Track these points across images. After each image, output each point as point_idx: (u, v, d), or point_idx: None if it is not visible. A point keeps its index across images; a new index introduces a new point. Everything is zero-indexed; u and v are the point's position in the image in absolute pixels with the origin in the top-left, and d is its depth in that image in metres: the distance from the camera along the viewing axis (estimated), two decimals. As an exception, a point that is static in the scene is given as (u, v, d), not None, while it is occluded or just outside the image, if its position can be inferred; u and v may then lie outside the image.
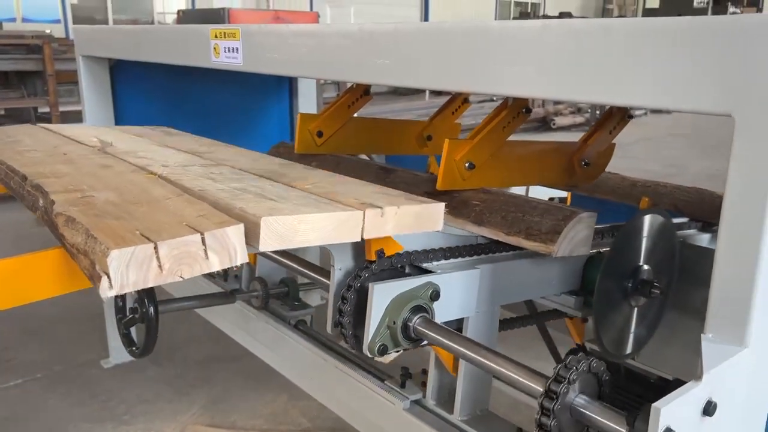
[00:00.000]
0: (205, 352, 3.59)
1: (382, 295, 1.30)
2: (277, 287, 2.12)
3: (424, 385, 1.65)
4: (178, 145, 1.90)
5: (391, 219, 1.18)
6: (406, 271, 1.45)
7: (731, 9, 16.18)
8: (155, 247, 0.92)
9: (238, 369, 3.44)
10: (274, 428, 2.96)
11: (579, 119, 11.11)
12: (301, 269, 1.79)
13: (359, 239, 1.16)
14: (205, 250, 0.96)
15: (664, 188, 2.47)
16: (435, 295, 1.36)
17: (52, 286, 1.15)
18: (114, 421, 2.96)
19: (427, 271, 1.43)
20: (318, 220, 1.08)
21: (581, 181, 1.94)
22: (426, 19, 18.68)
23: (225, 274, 2.31)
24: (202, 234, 0.96)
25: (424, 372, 1.72)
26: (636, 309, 1.70)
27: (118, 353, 3.49)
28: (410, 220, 1.22)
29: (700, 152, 9.95)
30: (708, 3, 15.19)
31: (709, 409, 0.93)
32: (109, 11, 12.75)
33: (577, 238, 1.54)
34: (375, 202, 1.20)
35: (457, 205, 1.66)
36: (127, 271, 0.92)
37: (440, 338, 1.29)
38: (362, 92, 2.20)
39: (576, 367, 1.02)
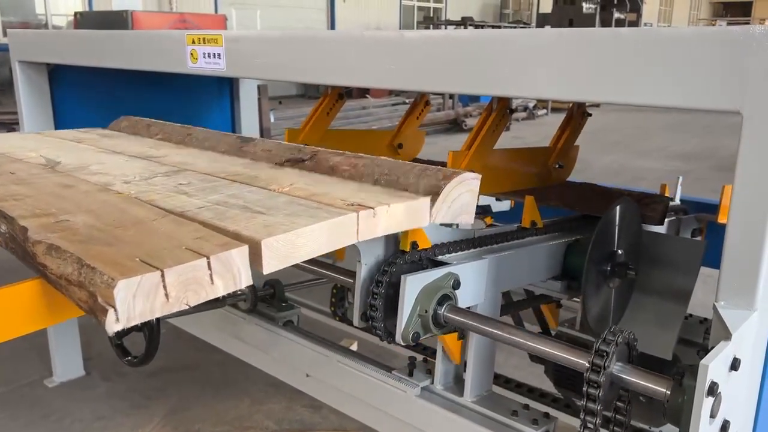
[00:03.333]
0: (154, 364, 3.47)
1: (413, 286, 1.39)
2: (263, 290, 2.15)
3: (428, 372, 1.74)
4: (123, 148, 1.83)
5: (383, 218, 1.17)
6: (424, 264, 1.54)
7: (616, 14, 17.32)
8: (162, 275, 0.86)
9: (193, 378, 3.38)
10: (241, 433, 2.95)
11: (487, 120, 11.53)
12: (312, 267, 1.83)
13: (355, 242, 1.16)
14: (211, 275, 0.91)
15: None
16: (456, 284, 1.46)
17: (30, 321, 1.04)
18: (71, 440, 2.85)
19: (443, 263, 1.52)
20: (315, 230, 1.05)
21: (556, 181, 2.10)
22: (332, 21, 18.75)
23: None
24: (207, 258, 0.90)
25: (426, 361, 1.82)
26: (613, 290, 1.88)
27: (62, 371, 3.34)
28: (401, 218, 1.22)
29: (602, 149, 10.60)
30: (596, 9, 16.22)
31: (735, 364, 1.08)
32: (-3, 13, 11.97)
33: (458, 202, 1.34)
34: (363, 202, 1.19)
35: (326, 171, 1.54)
36: (133, 302, 0.85)
37: (472, 323, 1.39)
38: (337, 97, 2.26)
39: (615, 341, 1.15)
